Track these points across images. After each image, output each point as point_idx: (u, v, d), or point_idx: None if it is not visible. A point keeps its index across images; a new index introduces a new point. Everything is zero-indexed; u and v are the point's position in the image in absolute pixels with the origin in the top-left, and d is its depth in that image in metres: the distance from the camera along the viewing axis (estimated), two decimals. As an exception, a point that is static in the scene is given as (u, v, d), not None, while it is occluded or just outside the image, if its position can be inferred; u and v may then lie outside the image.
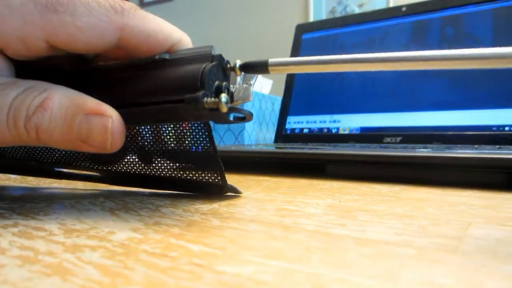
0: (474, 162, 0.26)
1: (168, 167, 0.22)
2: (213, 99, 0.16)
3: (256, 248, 0.12)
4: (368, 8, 1.83)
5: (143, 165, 0.22)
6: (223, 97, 0.16)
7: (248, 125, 0.69)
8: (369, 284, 0.10)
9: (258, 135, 0.72)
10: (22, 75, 0.18)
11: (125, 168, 0.22)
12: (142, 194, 0.23)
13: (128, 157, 0.22)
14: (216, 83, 0.17)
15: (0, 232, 0.14)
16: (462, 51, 0.14)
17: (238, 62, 0.18)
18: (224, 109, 0.16)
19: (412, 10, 0.54)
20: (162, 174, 0.22)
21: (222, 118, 0.17)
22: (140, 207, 0.19)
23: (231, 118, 0.18)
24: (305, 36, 0.62)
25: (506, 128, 0.43)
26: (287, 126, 0.59)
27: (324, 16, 1.95)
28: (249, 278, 0.10)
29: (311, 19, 1.95)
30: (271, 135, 0.74)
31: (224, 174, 0.21)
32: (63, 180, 0.28)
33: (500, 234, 0.14)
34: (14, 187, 0.27)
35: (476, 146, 0.41)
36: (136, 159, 0.22)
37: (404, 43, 0.53)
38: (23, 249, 0.12)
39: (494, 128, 0.44)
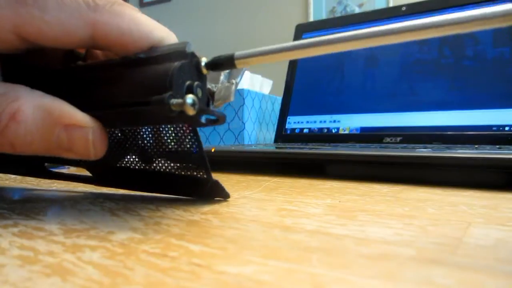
0: (474, 162, 0.26)
1: (161, 165, 0.21)
2: (179, 100, 0.15)
3: (256, 248, 0.12)
4: (368, 8, 1.84)
5: (140, 163, 0.22)
6: (189, 98, 0.15)
7: (248, 125, 0.69)
8: (369, 284, 0.10)
9: (258, 135, 0.72)
10: (7, 72, 0.17)
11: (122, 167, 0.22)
12: (142, 194, 0.23)
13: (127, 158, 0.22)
14: (187, 83, 0.16)
15: (0, 232, 0.14)
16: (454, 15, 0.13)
17: (204, 60, 0.17)
18: (190, 111, 0.15)
19: (412, 10, 0.54)
20: (156, 171, 0.21)
21: (192, 121, 0.16)
22: (140, 207, 0.19)
23: (203, 120, 0.16)
24: (305, 36, 0.62)
25: (506, 128, 0.43)
26: (287, 126, 0.59)
27: (324, 16, 1.95)
28: (249, 278, 0.10)
29: (311, 19, 1.95)
30: (271, 135, 0.75)
31: (210, 172, 0.20)
32: (63, 181, 0.28)
33: (500, 234, 0.14)
34: (14, 187, 0.27)
35: (476, 146, 0.41)
36: (132, 158, 0.22)
37: (403, 43, 0.53)
38: (23, 249, 0.12)
39: (494, 128, 0.44)
